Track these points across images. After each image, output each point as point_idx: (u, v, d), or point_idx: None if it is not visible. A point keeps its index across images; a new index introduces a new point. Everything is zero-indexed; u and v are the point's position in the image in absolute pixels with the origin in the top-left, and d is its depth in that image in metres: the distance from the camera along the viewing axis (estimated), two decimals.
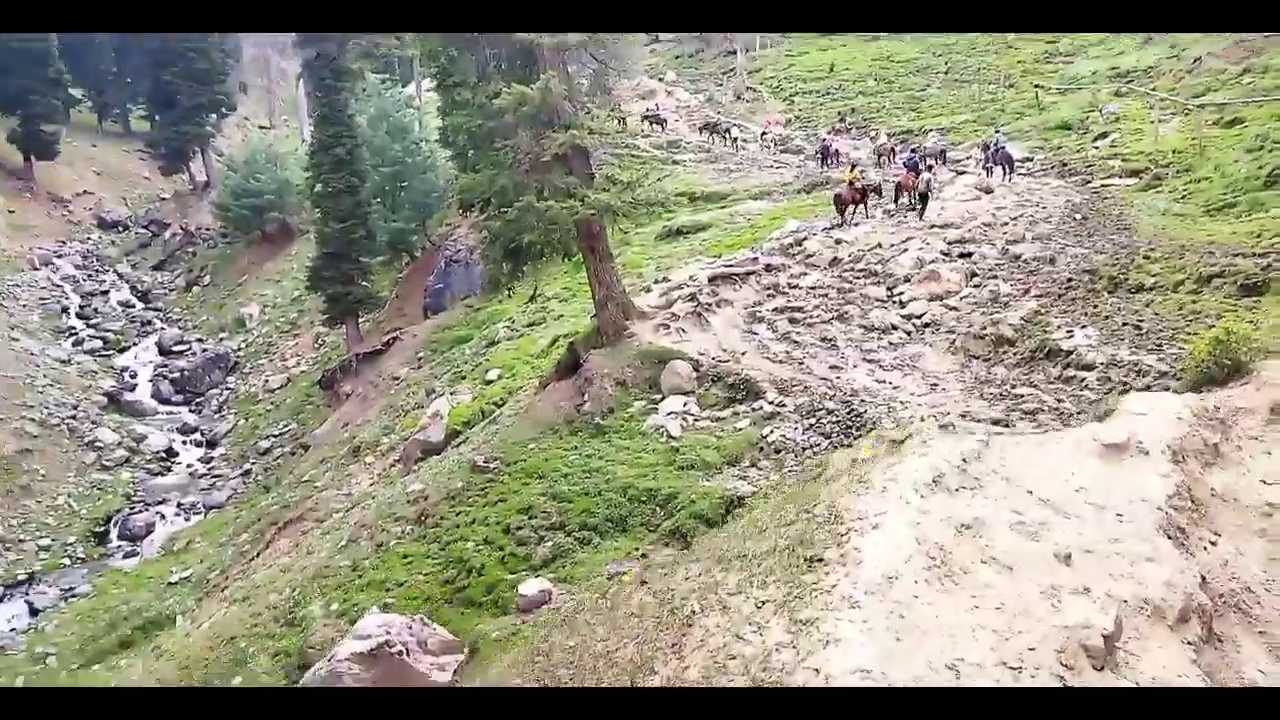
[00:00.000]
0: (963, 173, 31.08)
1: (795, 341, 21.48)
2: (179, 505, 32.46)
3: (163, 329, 48.94)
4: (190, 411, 40.93)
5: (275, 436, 36.38)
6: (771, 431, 17.77)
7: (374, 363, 35.71)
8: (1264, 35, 32.61)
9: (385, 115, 43.43)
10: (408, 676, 11.00)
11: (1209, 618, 7.13)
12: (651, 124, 46.07)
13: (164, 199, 64.70)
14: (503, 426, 21.39)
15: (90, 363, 42.52)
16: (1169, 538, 7.74)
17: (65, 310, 48.02)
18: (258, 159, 53.73)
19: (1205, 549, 7.96)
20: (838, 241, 26.55)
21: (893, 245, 25.33)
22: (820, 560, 6.97)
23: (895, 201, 28.32)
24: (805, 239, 27.09)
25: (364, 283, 38.60)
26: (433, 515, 17.37)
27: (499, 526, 16.52)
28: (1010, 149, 30.93)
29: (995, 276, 22.38)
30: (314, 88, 40.52)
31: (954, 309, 21.54)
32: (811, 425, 17.74)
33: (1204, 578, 7.39)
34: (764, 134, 46.51)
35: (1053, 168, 31.81)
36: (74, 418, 35.99)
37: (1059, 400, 16.54)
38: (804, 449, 17.17)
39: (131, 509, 32.09)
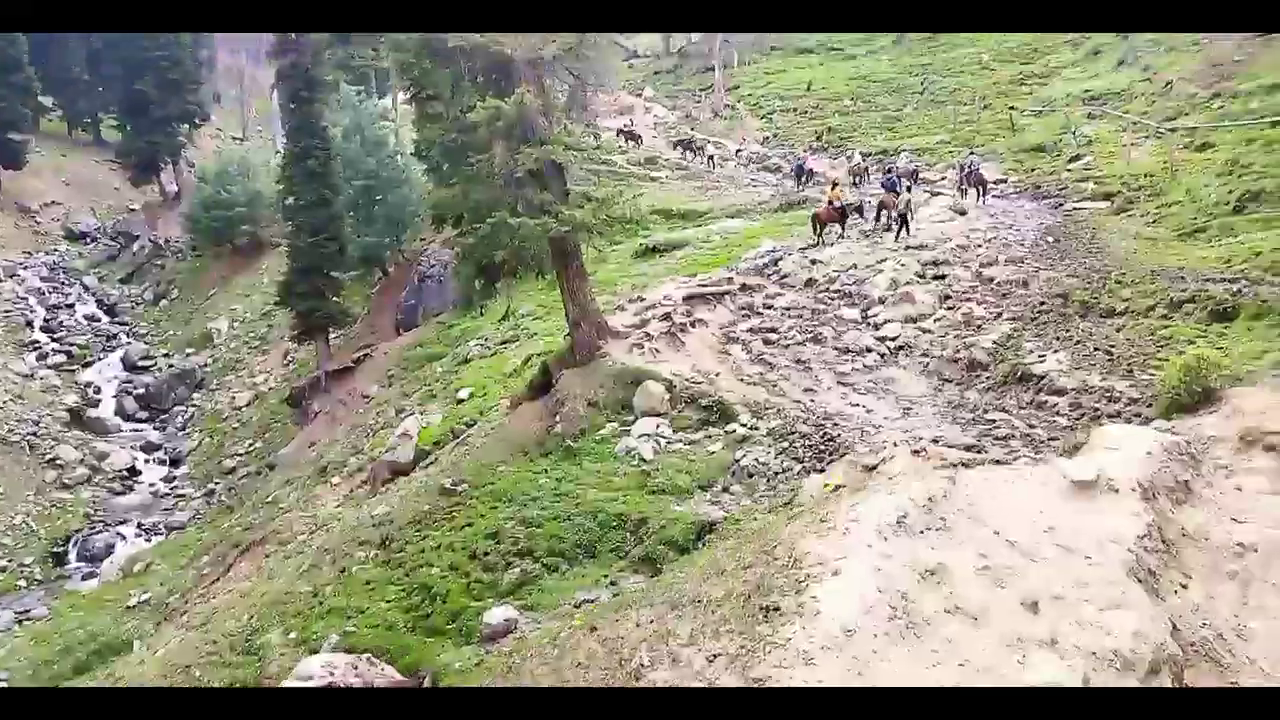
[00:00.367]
0: (937, 194, 31.15)
1: (769, 363, 21.31)
2: (140, 526, 31.74)
3: (129, 344, 48.11)
4: (155, 429, 40.17)
5: (241, 455, 35.74)
6: (744, 455, 17.55)
7: (344, 380, 35.21)
8: (1234, 60, 33.03)
9: (360, 128, 43.03)
10: None
11: (1180, 669, 6.90)
12: (626, 139, 45.99)
13: (133, 210, 63.81)
14: (472, 448, 21.03)
15: (53, 378, 41.73)
16: (1139, 581, 7.49)
17: (30, 324, 47.15)
18: (229, 171, 53.08)
19: (1176, 593, 7.71)
20: (813, 262, 26.49)
21: (867, 266, 25.28)
22: (777, 610, 6.64)
23: (876, 220, 28.30)
24: (781, 259, 27.01)
25: (335, 298, 38.06)
26: (397, 540, 16.97)
27: (465, 552, 16.15)
28: (984, 171, 31.07)
29: (969, 299, 22.34)
30: (287, 99, 40.05)
31: (928, 331, 21.46)
32: (784, 449, 17.53)
33: (1175, 625, 7.15)
34: (739, 151, 46.54)
35: (1026, 190, 31.98)
36: (35, 434, 35.21)
37: (1030, 426, 16.44)
38: (776, 474, 16.96)
39: (91, 529, 31.36)
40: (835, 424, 18.03)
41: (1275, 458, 11.32)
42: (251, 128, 78.60)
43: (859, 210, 28.57)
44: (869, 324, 22.66)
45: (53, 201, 61.13)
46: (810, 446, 17.40)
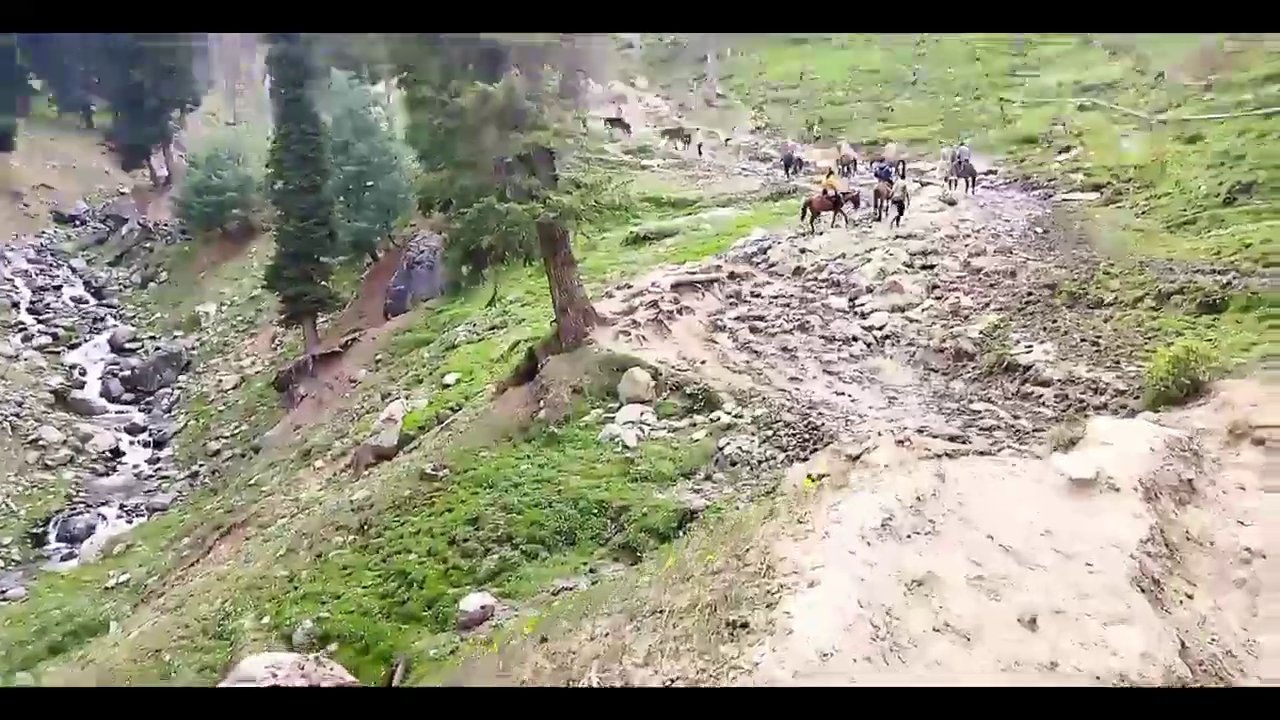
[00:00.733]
0: (927, 184, 30.98)
1: (756, 351, 21.18)
2: (122, 507, 31.45)
3: (116, 326, 47.66)
4: (140, 410, 39.82)
5: (226, 438, 35.47)
6: (728, 443, 17.45)
7: (331, 364, 34.96)
8: (1226, 53, 32.88)
9: (351, 113, 42.66)
10: None
11: None
12: (615, 128, 45.66)
13: (123, 194, 63.24)
14: (456, 433, 20.88)
15: (39, 359, 41.33)
16: (1142, 591, 6.81)
17: (15, 305, 46.69)
18: (220, 156, 52.58)
19: (1181, 603, 6.99)
20: (802, 250, 26.32)
21: (856, 255, 25.12)
22: (745, 627, 5.88)
23: (875, 207, 28.01)
24: (770, 247, 26.83)
25: (324, 283, 37.73)
26: (376, 525, 16.82)
27: (444, 538, 16.02)
28: (974, 161, 30.91)
29: (956, 289, 22.22)
30: (278, 84, 39.63)
31: (914, 321, 21.34)
32: (768, 438, 17.45)
33: (1183, 643, 6.66)
34: (729, 140, 46.30)
35: (1016, 181, 31.84)
36: (18, 415, 34.89)
37: (1015, 417, 16.37)
38: (760, 462, 16.88)
39: (72, 510, 31.05)
40: (820, 413, 17.92)
41: (1264, 452, 11.15)
42: (243, 113, 77.94)
43: (854, 200, 28.30)
44: (856, 313, 22.54)
45: (42, 185, 60.55)
46: (794, 435, 17.33)
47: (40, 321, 45.75)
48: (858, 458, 15.21)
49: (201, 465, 34.15)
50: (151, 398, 40.84)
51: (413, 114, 37.13)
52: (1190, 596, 7.13)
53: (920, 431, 16.17)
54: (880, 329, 21.44)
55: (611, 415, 19.04)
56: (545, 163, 21.62)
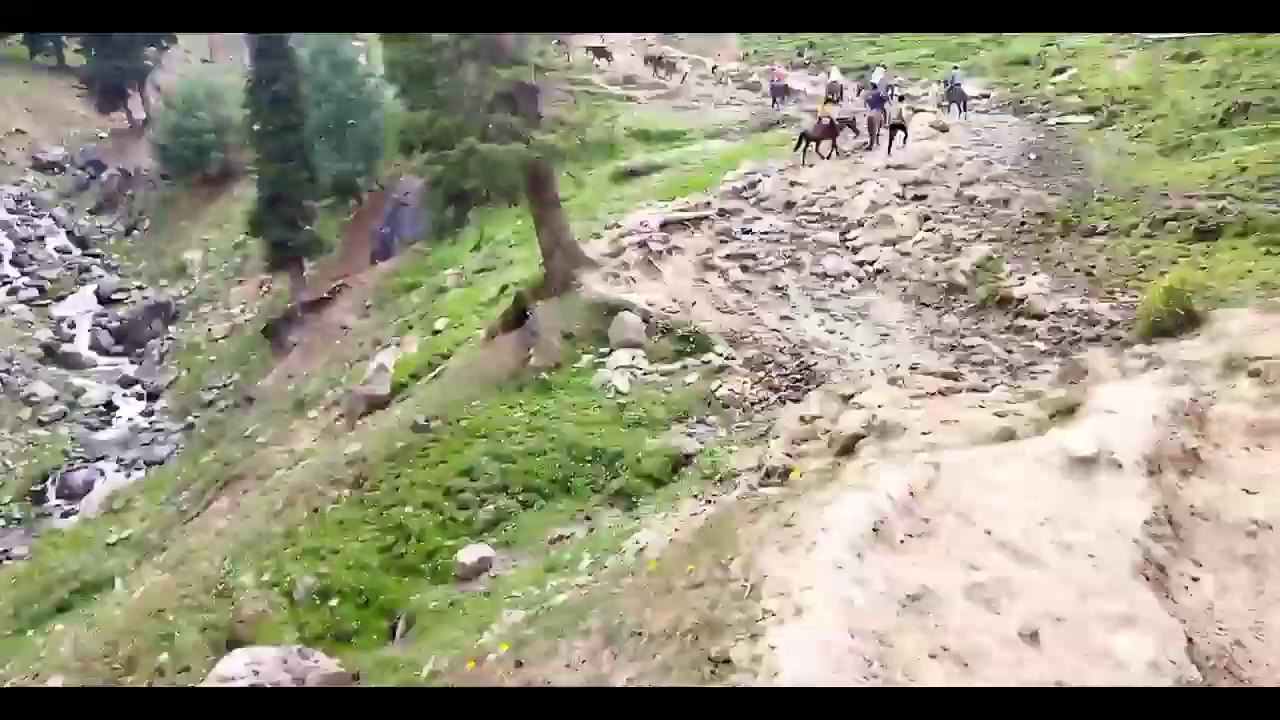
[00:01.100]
0: (919, 110, 30.38)
1: (747, 290, 20.99)
2: (119, 461, 31.56)
3: (101, 276, 47.14)
4: (131, 363, 39.68)
5: (219, 389, 35.40)
6: (720, 385, 17.39)
7: (320, 311, 34.70)
8: None
9: (329, 49, 41.51)
10: None
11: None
12: (597, 56, 44.51)
13: (102, 138, 61.88)
14: (447, 381, 20.76)
15: (25, 312, 41.00)
16: (1148, 581, 6.63)
17: None
18: (196, 95, 51.25)
19: (1187, 589, 6.81)
20: (792, 184, 25.93)
21: (847, 187, 24.76)
22: (728, 663, 5.58)
23: (870, 135, 27.43)
24: (759, 181, 26.41)
25: (308, 227, 37.11)
26: (371, 478, 16.80)
27: (440, 489, 16.01)
28: (966, 86, 30.29)
29: (949, 220, 21.96)
30: None
31: (906, 254, 21.12)
32: (761, 379, 17.39)
33: (1191, 639, 6.41)
34: (715, 67, 45.26)
35: (1010, 104, 31.25)
36: (8, 371, 34.72)
37: (1009, 352, 16.30)
38: (752, 404, 16.83)
39: (70, 466, 31.16)
40: (812, 352, 17.85)
41: (1260, 384, 11.04)
42: (221, 49, 75.88)
43: (852, 125, 27.67)
44: (847, 247, 22.28)
45: (17, 130, 59.15)
46: (786, 375, 17.28)
47: (25, 274, 45.19)
48: (851, 398, 15.20)
49: (196, 417, 34.15)
50: (142, 349, 40.66)
51: (390, 50, 36.35)
52: (1196, 580, 6.86)
53: (914, 369, 16.12)
54: (872, 264, 21.22)
55: (603, 361, 18.93)
56: (528, 99, 21.05)
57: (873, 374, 15.93)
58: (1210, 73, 25.87)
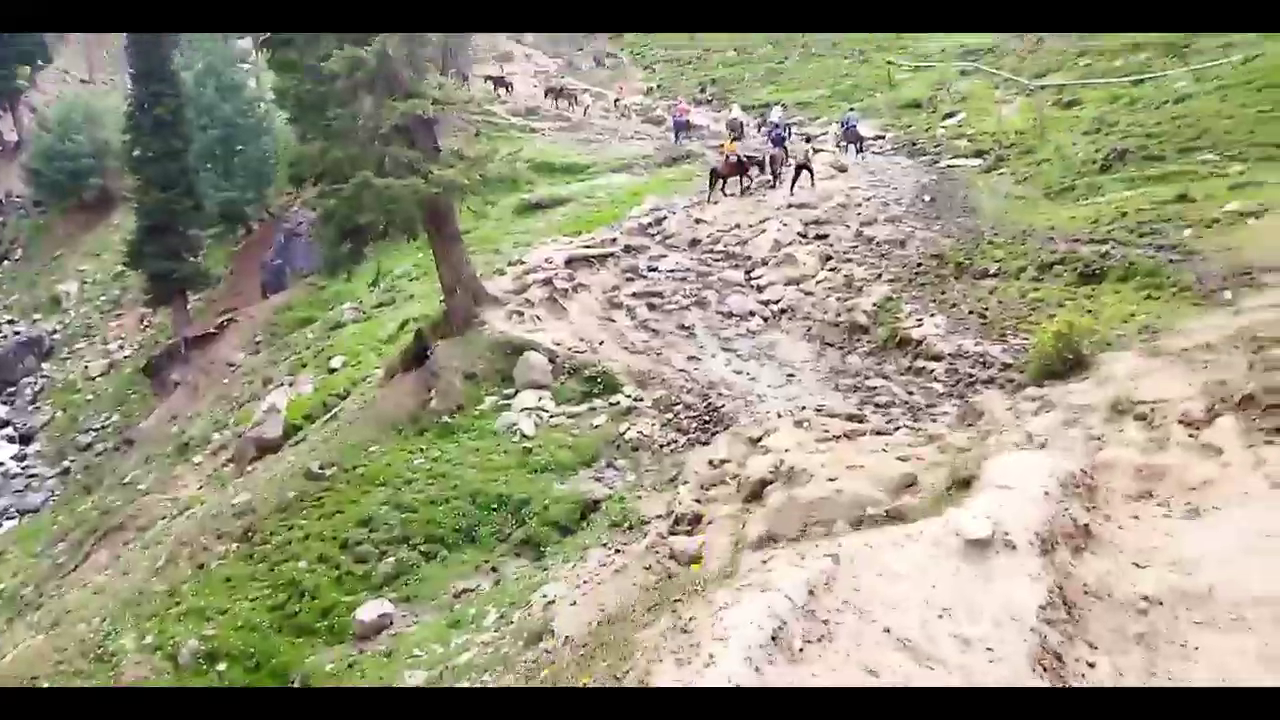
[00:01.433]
0: (819, 150, 31.08)
1: (654, 330, 20.92)
2: None
3: None
4: (1, 403, 37.14)
5: (96, 431, 33.40)
6: (629, 428, 17.20)
7: (206, 347, 33.12)
8: None
9: (215, 71, 40.07)
10: None
11: None
12: (497, 87, 44.24)
13: None
14: (343, 425, 19.99)
15: None
16: (1045, 670, 6.63)
17: None
18: (73, 117, 48.84)
19: (1084, 675, 6.83)
20: (697, 221, 26.10)
21: (750, 226, 25.04)
22: None
23: (773, 175, 27.86)
24: (665, 217, 26.50)
25: (192, 258, 35.52)
26: (261, 531, 15.95)
27: (335, 542, 15.31)
28: (861, 127, 31.13)
29: (849, 259, 22.34)
30: (131, 38, 36.61)
31: (810, 294, 21.36)
32: (669, 421, 17.27)
33: None
34: (617, 100, 45.52)
35: (903, 146, 32.25)
36: None
37: (910, 393, 16.56)
38: (661, 446, 16.68)
39: None
40: (720, 393, 17.81)
41: (1145, 428, 11.46)
42: (101, 70, 72.46)
43: (760, 164, 28.09)
44: (752, 286, 22.45)
45: None
46: (695, 417, 17.19)
47: None
48: (759, 440, 15.21)
49: (72, 461, 32.11)
50: (14, 388, 38.16)
51: (281, 80, 35.27)
52: (1092, 665, 6.91)
53: (819, 410, 16.23)
54: (776, 303, 21.40)
55: (507, 402, 18.53)
56: (425, 132, 20.62)
57: (779, 415, 15.95)
58: (1089, 119, 27.14)
